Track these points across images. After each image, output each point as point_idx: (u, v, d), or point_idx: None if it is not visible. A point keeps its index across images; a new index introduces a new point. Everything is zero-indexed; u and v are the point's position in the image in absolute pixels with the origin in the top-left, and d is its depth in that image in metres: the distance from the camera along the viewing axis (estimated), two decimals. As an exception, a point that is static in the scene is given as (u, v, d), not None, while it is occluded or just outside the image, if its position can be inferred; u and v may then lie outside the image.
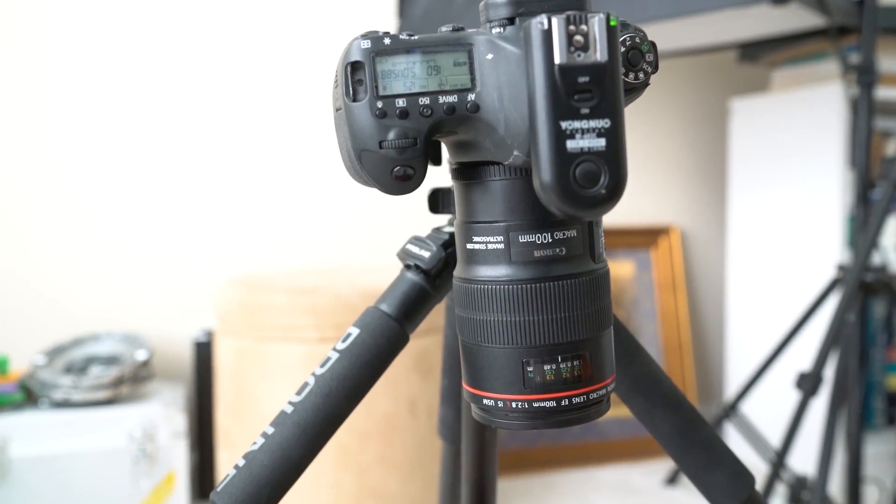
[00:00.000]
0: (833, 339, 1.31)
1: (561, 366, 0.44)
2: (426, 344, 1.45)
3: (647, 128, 2.30)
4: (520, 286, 0.43)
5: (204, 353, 1.80)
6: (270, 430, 0.51)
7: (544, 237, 0.44)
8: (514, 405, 0.45)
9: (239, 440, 1.45)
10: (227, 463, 1.49)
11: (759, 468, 1.97)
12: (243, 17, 1.90)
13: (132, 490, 1.55)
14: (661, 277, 2.25)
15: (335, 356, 0.53)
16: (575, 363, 0.44)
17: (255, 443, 0.51)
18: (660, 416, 0.57)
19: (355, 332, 0.53)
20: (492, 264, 0.44)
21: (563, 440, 2.07)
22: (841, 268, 1.47)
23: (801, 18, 1.63)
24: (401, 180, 0.42)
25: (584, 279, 0.44)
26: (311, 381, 0.52)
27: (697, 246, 2.35)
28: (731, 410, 1.74)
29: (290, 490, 0.52)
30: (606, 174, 0.38)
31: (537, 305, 0.43)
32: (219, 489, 0.50)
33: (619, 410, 2.13)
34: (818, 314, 1.53)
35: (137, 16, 1.82)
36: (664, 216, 2.32)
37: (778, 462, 1.40)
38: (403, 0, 1.80)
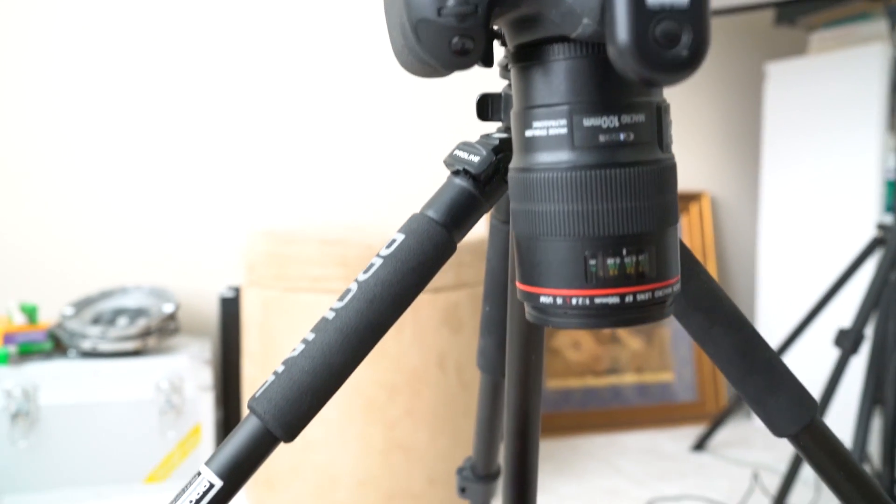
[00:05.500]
0: (875, 298, 1.27)
1: (625, 260, 0.41)
2: (455, 298, 1.43)
3: (680, 93, 2.25)
4: (583, 172, 0.40)
5: (230, 309, 1.79)
6: (311, 336, 0.49)
7: (610, 121, 0.41)
8: (573, 301, 0.42)
9: (266, 392, 1.43)
10: (254, 415, 1.47)
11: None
12: (272, -31, 1.87)
13: (159, 441, 1.55)
14: (691, 244, 2.21)
15: (379, 262, 0.50)
16: (640, 257, 0.41)
17: (294, 349, 0.49)
18: (720, 335, 0.54)
19: (400, 237, 0.51)
20: (553, 150, 0.41)
21: (589, 406, 2.05)
22: (882, 227, 1.42)
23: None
24: (458, 54, 0.40)
25: (652, 168, 0.41)
26: (354, 286, 0.50)
27: (729, 213, 2.31)
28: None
29: (330, 399, 0.49)
30: (689, 33, 0.35)
31: (601, 193, 0.41)
32: (257, 395, 0.48)
33: (644, 376, 2.11)
34: (855, 277, 1.50)
35: (166, -33, 1.80)
36: (696, 182, 2.28)
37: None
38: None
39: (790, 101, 2.00)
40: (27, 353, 1.52)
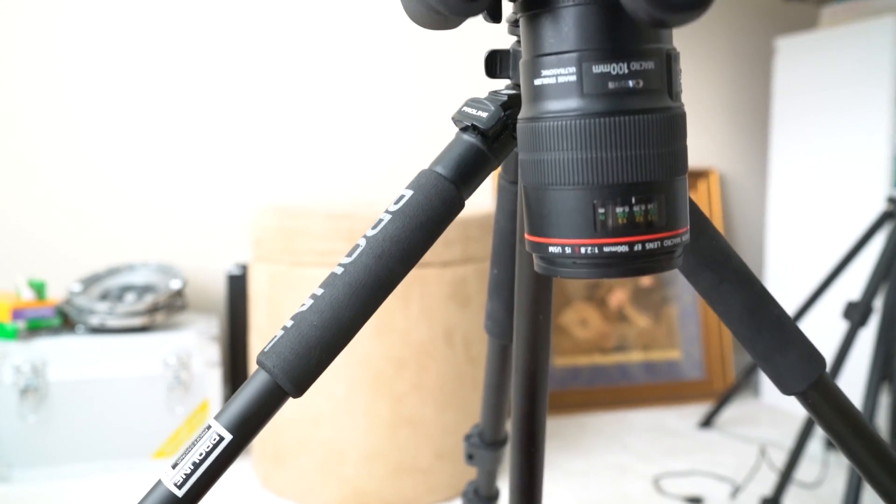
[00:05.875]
0: (884, 271, 1.27)
1: (634, 208, 0.41)
2: (463, 273, 1.43)
3: (689, 68, 2.24)
4: (592, 120, 0.40)
5: (237, 286, 1.80)
6: (320, 292, 0.49)
7: (620, 68, 0.40)
8: (582, 251, 0.42)
9: (273, 367, 1.44)
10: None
11: (798, 407, 1.93)
12: (278, -55, 1.86)
13: (167, 416, 1.56)
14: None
15: (387, 217, 0.50)
16: (649, 206, 0.41)
17: (303, 304, 0.49)
18: (729, 291, 0.53)
19: (409, 193, 0.50)
20: (562, 98, 0.41)
21: (596, 383, 2.05)
22: (892, 200, 1.42)
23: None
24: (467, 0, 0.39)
25: (661, 115, 0.41)
26: (363, 242, 0.50)
27: (737, 190, 2.30)
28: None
29: (339, 354, 0.49)
30: (699, -30, 0.34)
31: (610, 141, 0.40)
32: (266, 350, 0.48)
33: (651, 354, 2.11)
34: (864, 251, 1.49)
35: (171, -57, 1.79)
36: (704, 159, 2.27)
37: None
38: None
39: (800, 76, 1.98)
40: (36, 328, 1.53)
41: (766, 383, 2.09)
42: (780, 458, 1.64)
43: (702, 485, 1.53)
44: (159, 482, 0.48)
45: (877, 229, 1.39)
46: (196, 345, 1.58)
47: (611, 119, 0.40)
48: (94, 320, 1.54)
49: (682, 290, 2.17)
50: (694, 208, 0.53)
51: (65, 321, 1.60)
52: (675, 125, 0.42)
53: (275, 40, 1.87)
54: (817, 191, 1.92)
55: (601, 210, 0.41)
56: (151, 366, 1.55)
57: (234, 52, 1.85)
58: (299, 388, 0.48)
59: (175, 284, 1.64)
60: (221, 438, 0.47)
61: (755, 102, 2.30)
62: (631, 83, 0.40)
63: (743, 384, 1.85)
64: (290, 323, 0.49)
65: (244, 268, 1.80)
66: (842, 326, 1.49)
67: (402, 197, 0.51)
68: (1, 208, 1.72)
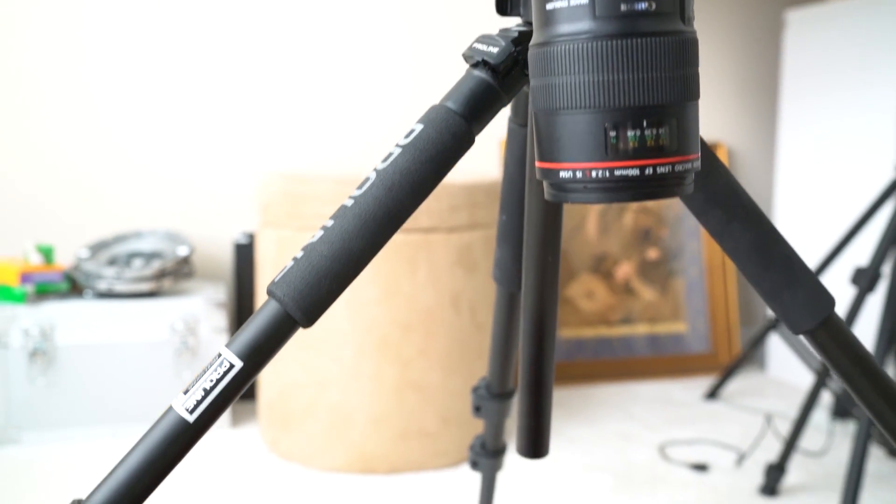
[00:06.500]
0: (893, 236, 1.27)
1: (645, 132, 0.41)
2: (470, 239, 1.43)
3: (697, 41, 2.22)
4: (604, 42, 0.40)
5: (244, 254, 1.80)
6: (330, 223, 0.49)
7: (632, -11, 0.40)
8: (593, 174, 0.42)
9: (280, 331, 1.44)
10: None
11: (804, 380, 1.94)
12: (285, -87, 1.85)
13: (174, 381, 1.57)
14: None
15: (398, 150, 0.50)
16: (660, 130, 0.41)
17: (313, 236, 0.49)
18: (738, 230, 0.54)
19: (419, 127, 0.50)
20: (574, 21, 0.41)
21: (601, 356, 2.05)
22: (902, 169, 1.41)
23: None
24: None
25: (673, 39, 0.41)
26: (373, 175, 0.50)
27: (745, 164, 2.29)
28: (777, 322, 1.70)
29: (349, 286, 0.50)
30: None
31: (622, 63, 0.40)
32: (276, 280, 0.48)
33: (657, 327, 2.11)
34: (873, 220, 1.49)
35: None
36: (712, 133, 2.26)
37: (824, 370, 1.37)
38: None
39: (810, 49, 1.97)
40: (44, 293, 1.54)
41: (772, 357, 2.10)
42: (785, 429, 1.64)
43: (707, 453, 1.54)
44: (170, 408, 0.48)
45: (887, 197, 1.39)
46: (203, 311, 1.59)
47: (623, 41, 0.40)
48: (102, 285, 1.55)
49: (688, 264, 2.16)
50: (704, 146, 0.53)
51: (73, 287, 1.61)
52: (687, 49, 0.42)
53: (281, 7, 1.86)
54: (826, 165, 1.91)
55: (612, 133, 0.41)
56: (159, 331, 1.55)
57: (240, 20, 1.84)
58: (309, 317, 0.48)
59: (182, 251, 1.64)
60: (232, 366, 0.47)
61: (764, 76, 2.29)
62: (643, 5, 0.40)
63: (749, 357, 1.85)
64: (300, 254, 0.49)
65: (251, 237, 1.80)
66: (850, 292, 1.49)
67: (412, 131, 0.51)
68: (10, 176, 1.73)
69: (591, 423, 1.70)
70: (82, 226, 1.77)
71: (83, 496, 0.47)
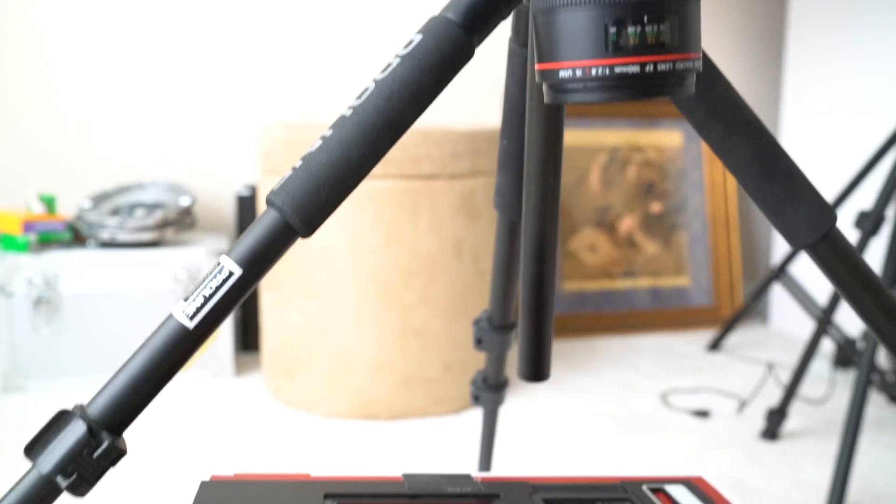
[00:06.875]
0: (896, 181, 1.26)
1: (646, 28, 0.41)
2: (472, 186, 1.42)
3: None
4: (605, -65, 0.39)
5: (247, 207, 1.80)
6: (329, 133, 0.49)
7: None
8: (593, 72, 0.41)
9: (283, 279, 1.45)
10: (271, 303, 1.49)
11: (806, 333, 1.94)
12: None
13: (178, 330, 1.57)
14: (710, 149, 2.19)
15: (397, 61, 0.50)
16: (661, 26, 0.41)
17: (312, 146, 0.49)
18: (739, 143, 0.53)
19: (418, 37, 0.50)
20: (575, -87, 0.40)
21: (604, 309, 2.06)
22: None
23: None
24: None
25: (676, -68, 0.40)
26: (372, 85, 0.49)
27: (750, 118, 2.27)
28: (779, 272, 1.70)
29: (349, 195, 0.49)
30: None
31: (623, -43, 0.40)
32: (275, 189, 0.48)
33: (660, 280, 2.11)
34: (877, 168, 1.48)
35: None
36: (717, 86, 2.23)
37: (825, 318, 1.36)
38: None
39: (816, 4, 1.94)
40: (47, 241, 1.54)
41: (774, 311, 2.10)
42: (787, 378, 1.65)
43: (708, 400, 1.55)
44: (170, 316, 0.48)
45: (893, 142, 1.38)
46: (206, 260, 1.59)
47: None
48: (105, 234, 1.55)
49: (691, 218, 2.16)
50: (706, 56, 0.53)
51: (75, 237, 1.61)
52: (688, -57, 0.41)
53: (282, -42, 1.84)
54: (830, 123, 1.90)
55: (612, 29, 0.41)
56: (162, 280, 1.56)
57: (241, -30, 1.82)
58: (308, 226, 0.48)
59: (184, 201, 1.64)
60: (231, 273, 0.47)
61: (769, 33, 2.26)
62: None
63: (752, 309, 1.85)
64: (299, 163, 0.49)
65: (253, 189, 1.80)
66: (853, 237, 1.49)
67: (411, 41, 0.50)
68: (12, 127, 1.72)
69: (593, 373, 1.71)
70: (84, 178, 1.77)
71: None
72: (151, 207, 1.65)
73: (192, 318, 0.47)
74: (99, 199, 1.65)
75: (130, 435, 1.35)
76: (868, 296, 0.54)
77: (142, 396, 0.48)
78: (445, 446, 1.32)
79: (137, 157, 1.80)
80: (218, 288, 0.47)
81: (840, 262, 0.54)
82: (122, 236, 1.56)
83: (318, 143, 0.49)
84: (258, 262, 0.48)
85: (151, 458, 1.24)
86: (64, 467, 0.46)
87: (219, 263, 0.48)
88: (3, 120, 1.72)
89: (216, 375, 1.61)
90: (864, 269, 0.54)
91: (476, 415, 1.45)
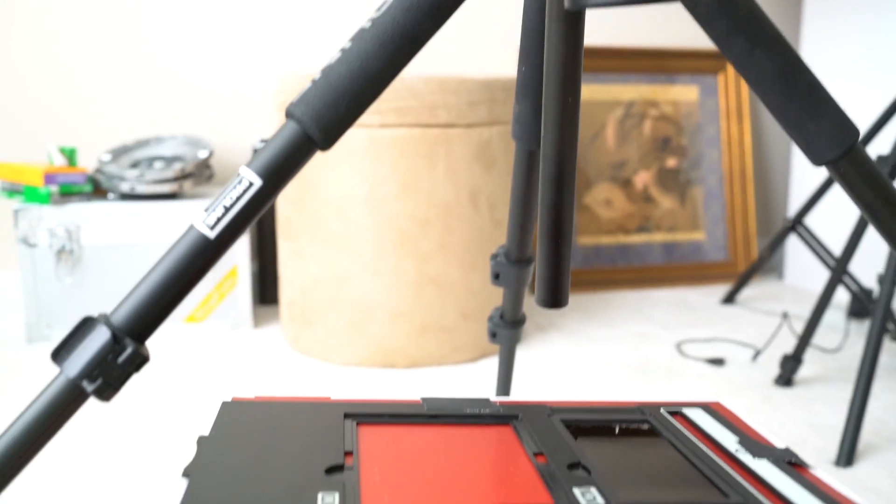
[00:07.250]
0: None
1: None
2: (488, 135, 1.42)
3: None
4: None
5: (263, 160, 1.80)
6: (348, 45, 0.49)
7: None
8: (614, -28, 0.41)
9: (300, 229, 1.46)
10: (288, 254, 1.50)
11: (821, 287, 1.93)
12: None
13: (197, 280, 1.59)
14: (726, 104, 2.17)
15: (416, -27, 0.49)
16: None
17: (331, 57, 0.49)
18: (761, 58, 0.53)
19: (437, -49, 0.50)
20: None
21: (619, 263, 2.05)
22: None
23: None
24: None
25: None
26: (392, -2, 0.49)
27: (769, 72, 2.24)
28: (795, 223, 1.69)
29: (370, 106, 0.50)
30: None
31: None
32: (295, 101, 0.49)
33: (676, 235, 2.10)
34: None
35: None
36: (735, 39, 2.21)
37: (840, 266, 1.36)
38: None
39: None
40: (68, 193, 1.55)
41: (789, 266, 2.09)
42: (801, 328, 1.65)
43: (723, 349, 1.55)
44: (191, 227, 0.49)
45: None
46: (224, 213, 1.60)
47: None
48: (125, 186, 1.56)
49: (707, 173, 2.14)
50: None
51: (96, 189, 1.63)
52: None
53: None
54: (849, 74, 1.87)
55: (634, -72, 0.40)
56: (180, 231, 1.57)
57: (255, -79, 1.81)
58: (328, 137, 0.49)
59: (202, 154, 1.65)
60: (251, 184, 0.48)
61: (790, -21, 2.23)
62: None
63: (767, 262, 1.85)
64: (318, 75, 0.49)
65: (269, 142, 1.80)
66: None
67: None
68: (32, 82, 1.73)
69: (609, 324, 1.72)
70: (103, 131, 1.78)
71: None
72: (170, 160, 1.66)
73: (212, 227, 0.48)
74: (118, 153, 1.66)
75: (150, 373, 1.37)
76: (889, 212, 0.54)
77: (164, 305, 0.49)
78: (462, 393, 1.33)
79: (156, 111, 1.81)
80: (238, 198, 0.48)
81: (861, 178, 0.54)
82: (142, 188, 1.57)
83: (337, 55, 0.49)
84: (278, 173, 0.48)
85: (170, 397, 1.26)
86: (90, 372, 0.47)
87: (238, 175, 0.49)
88: (25, 74, 1.72)
89: (235, 326, 1.63)
90: (887, 186, 0.54)
91: (493, 363, 1.46)
